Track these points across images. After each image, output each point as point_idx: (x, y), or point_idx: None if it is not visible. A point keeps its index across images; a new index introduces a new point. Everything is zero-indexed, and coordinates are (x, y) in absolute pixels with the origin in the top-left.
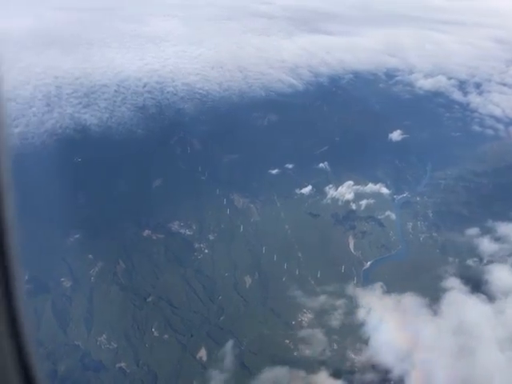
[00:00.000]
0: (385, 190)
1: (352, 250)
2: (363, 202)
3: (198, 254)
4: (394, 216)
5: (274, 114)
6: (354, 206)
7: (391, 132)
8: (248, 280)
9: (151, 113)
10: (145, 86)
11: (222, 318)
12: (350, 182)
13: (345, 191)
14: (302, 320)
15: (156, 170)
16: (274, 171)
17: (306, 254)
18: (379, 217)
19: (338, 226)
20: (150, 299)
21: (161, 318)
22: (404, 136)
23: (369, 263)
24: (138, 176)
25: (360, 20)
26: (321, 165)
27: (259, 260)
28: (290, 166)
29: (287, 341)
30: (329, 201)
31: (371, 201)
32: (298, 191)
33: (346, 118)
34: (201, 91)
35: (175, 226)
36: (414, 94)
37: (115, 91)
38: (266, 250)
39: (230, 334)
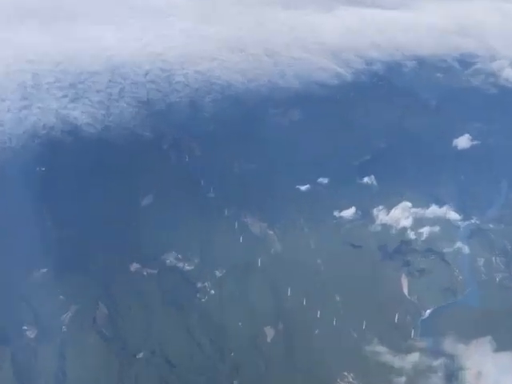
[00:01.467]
0: (453, 215)
1: (406, 294)
2: (424, 230)
3: (202, 296)
4: (461, 248)
5: (307, 112)
6: (412, 235)
7: (457, 137)
8: (269, 332)
9: (158, 109)
10: (147, 75)
11: (236, 382)
12: (407, 204)
13: (400, 215)
14: None
15: (148, 182)
16: (304, 187)
17: (345, 298)
18: (442, 250)
19: (387, 261)
20: (140, 355)
21: (155, 380)
22: (474, 143)
23: (428, 312)
24: (126, 191)
25: None
26: (366, 179)
27: (283, 305)
28: (325, 180)
29: None
30: (378, 227)
31: (435, 228)
32: (336, 214)
33: (403, 118)
34: (219, 81)
35: (171, 258)
36: (499, 86)
37: (109, 81)
38: (293, 292)
39: None
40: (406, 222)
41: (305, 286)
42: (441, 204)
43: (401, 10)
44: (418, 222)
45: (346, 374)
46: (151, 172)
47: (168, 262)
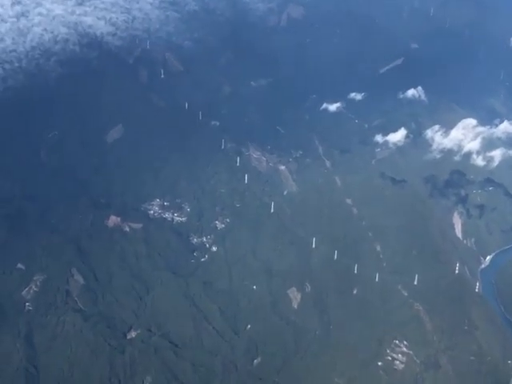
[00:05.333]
0: None
1: (460, 237)
2: (496, 154)
3: (201, 255)
4: None
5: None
6: (480, 161)
7: None
8: (294, 295)
9: (191, 11)
10: None
11: (256, 361)
12: (471, 121)
13: (462, 136)
14: (394, 362)
15: (114, 112)
16: (333, 106)
17: (387, 248)
18: (505, 180)
19: (437, 197)
20: (133, 334)
21: (156, 366)
22: None
23: (489, 258)
24: (88, 123)
25: None
26: (411, 92)
27: (308, 261)
28: (359, 95)
29: None
30: (435, 154)
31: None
32: (378, 139)
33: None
34: None
35: (155, 207)
36: None
37: None
38: (319, 244)
39: None
40: (473, 145)
41: (334, 235)
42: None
43: None
44: (488, 144)
45: (397, 342)
46: (116, 96)
47: (151, 212)
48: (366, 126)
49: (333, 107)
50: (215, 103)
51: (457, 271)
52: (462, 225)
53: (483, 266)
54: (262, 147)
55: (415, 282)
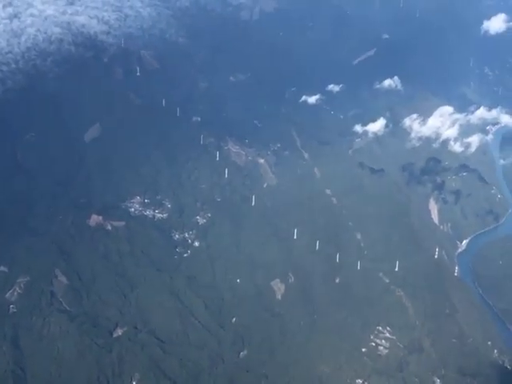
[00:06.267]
0: (508, 119)
1: (436, 222)
2: (473, 140)
3: (184, 251)
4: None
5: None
6: (458, 148)
7: (488, 18)
8: (278, 287)
9: (183, 7)
10: None
11: (243, 354)
12: (447, 109)
13: (440, 123)
14: (378, 348)
15: (92, 111)
16: (313, 98)
17: (367, 236)
18: (479, 166)
19: (413, 185)
20: (119, 332)
21: (144, 362)
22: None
23: (465, 242)
24: (66, 123)
25: None
26: (387, 82)
27: (291, 252)
28: (336, 87)
29: None
30: (414, 142)
31: (487, 136)
32: (357, 129)
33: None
34: None
35: (136, 205)
36: None
37: None
38: (300, 235)
39: (263, 378)
40: (451, 132)
41: (315, 226)
42: (491, 106)
43: None
44: (465, 131)
45: (380, 328)
46: (93, 95)
47: (132, 210)
48: (345, 116)
49: (312, 99)
50: (193, 99)
51: (436, 256)
52: (439, 211)
53: (460, 250)
54: (240, 141)
55: (396, 269)
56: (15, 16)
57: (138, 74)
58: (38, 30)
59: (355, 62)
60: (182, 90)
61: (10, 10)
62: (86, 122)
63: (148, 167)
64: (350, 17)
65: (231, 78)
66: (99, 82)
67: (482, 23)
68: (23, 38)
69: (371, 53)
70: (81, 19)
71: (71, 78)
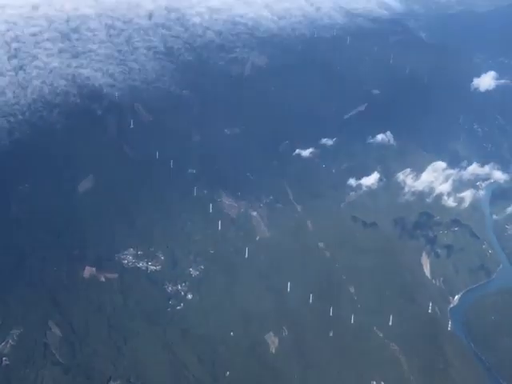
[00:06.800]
0: (499, 175)
1: (429, 276)
2: (466, 195)
3: (177, 303)
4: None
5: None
6: (451, 202)
7: (477, 76)
8: (272, 340)
9: (185, 61)
10: (151, 17)
11: None
12: (440, 164)
13: (433, 178)
14: None
15: (85, 162)
16: (306, 151)
17: (361, 290)
18: (471, 221)
19: (406, 239)
20: None
21: None
22: (501, 82)
23: (457, 297)
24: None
25: None
26: (380, 137)
27: (284, 305)
28: (330, 141)
29: None
30: (409, 196)
31: (480, 192)
32: (351, 182)
33: (399, 57)
34: (243, 20)
35: (129, 256)
36: None
37: (108, 26)
38: (294, 288)
39: None
40: (444, 187)
41: (308, 279)
42: (482, 162)
43: None
44: (458, 186)
45: (374, 383)
46: (87, 147)
47: (125, 262)
48: (338, 170)
49: (306, 152)
50: (186, 152)
51: (429, 311)
52: (431, 265)
53: (452, 305)
54: (233, 194)
55: (390, 323)
56: (20, 68)
57: (132, 126)
58: (44, 82)
59: (347, 116)
60: (176, 142)
61: (15, 61)
62: (80, 172)
63: (141, 218)
64: (341, 72)
65: (226, 131)
66: (93, 134)
67: (472, 80)
68: (29, 90)
69: (362, 108)
70: (85, 72)
71: (66, 129)
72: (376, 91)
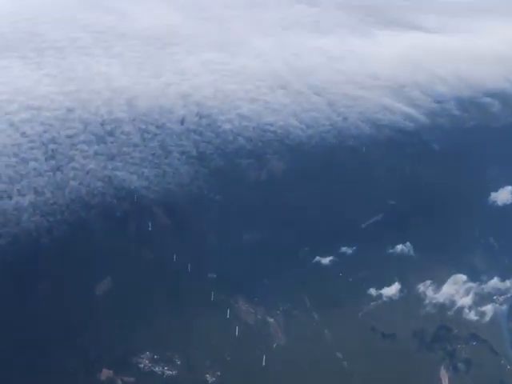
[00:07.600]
0: None
1: None
2: (487, 309)
3: None
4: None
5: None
6: (473, 316)
7: (496, 190)
8: None
9: (218, 166)
10: (183, 122)
11: None
12: (461, 277)
13: (453, 291)
14: None
15: (103, 262)
16: (324, 259)
17: None
18: (489, 335)
19: (424, 352)
20: None
21: None
22: None
23: None
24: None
25: (469, 9)
26: (400, 247)
27: None
28: (349, 250)
29: None
30: (428, 308)
31: (501, 307)
32: (372, 292)
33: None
34: (273, 128)
35: (145, 360)
36: None
37: (142, 131)
38: None
39: None
40: (465, 300)
41: None
42: (503, 276)
43: (454, 32)
44: (479, 300)
45: None
46: (105, 248)
47: (142, 366)
48: (358, 279)
49: (325, 260)
50: (204, 256)
51: None
52: (450, 379)
53: None
54: (250, 299)
55: None
56: (58, 169)
57: (150, 229)
58: (81, 184)
59: (364, 225)
60: (193, 246)
61: (52, 162)
62: (98, 274)
63: (158, 322)
64: (356, 182)
65: (244, 236)
66: (112, 236)
67: (490, 194)
68: (67, 191)
69: (379, 217)
70: (121, 174)
71: (103, 231)
72: (392, 201)
